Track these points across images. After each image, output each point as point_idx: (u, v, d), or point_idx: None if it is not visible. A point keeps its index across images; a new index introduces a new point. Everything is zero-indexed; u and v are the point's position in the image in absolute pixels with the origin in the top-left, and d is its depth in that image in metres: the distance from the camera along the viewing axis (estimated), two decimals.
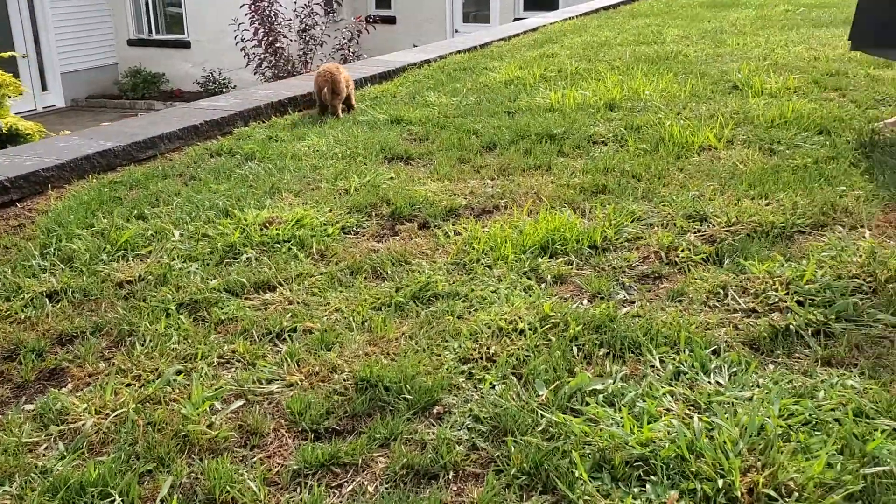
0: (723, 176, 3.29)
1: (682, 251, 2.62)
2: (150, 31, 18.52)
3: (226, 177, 3.64)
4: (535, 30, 8.60)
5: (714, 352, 2.04)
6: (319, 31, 13.52)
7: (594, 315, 2.23)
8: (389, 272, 2.61)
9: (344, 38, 13.37)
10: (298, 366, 2.09)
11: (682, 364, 1.98)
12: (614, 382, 1.91)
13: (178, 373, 2.09)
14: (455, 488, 1.65)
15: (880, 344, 2.04)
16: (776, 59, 5.80)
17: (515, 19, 15.29)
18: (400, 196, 3.24)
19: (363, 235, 2.96)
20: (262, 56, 12.98)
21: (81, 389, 2.04)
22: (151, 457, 1.76)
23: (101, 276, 2.65)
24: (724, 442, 1.64)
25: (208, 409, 1.92)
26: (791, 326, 2.12)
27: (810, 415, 1.74)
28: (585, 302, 2.37)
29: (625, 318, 2.22)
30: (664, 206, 3.01)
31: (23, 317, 2.41)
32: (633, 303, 2.35)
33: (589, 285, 2.45)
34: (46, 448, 1.82)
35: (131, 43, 18.30)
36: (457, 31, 18.27)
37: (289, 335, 2.25)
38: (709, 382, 1.90)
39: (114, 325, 2.35)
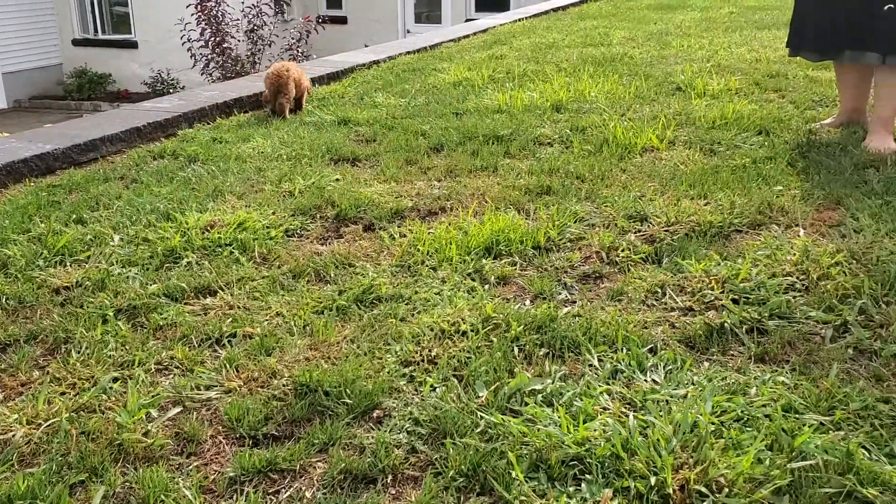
0: (664, 176, 3.34)
1: (623, 251, 2.66)
2: (95, 30, 18.17)
3: (168, 179, 3.59)
4: (485, 31, 8.64)
5: (651, 350, 2.07)
6: (268, 32, 13.41)
7: (536, 315, 2.25)
8: (333, 275, 2.60)
9: (293, 39, 13.27)
10: (237, 371, 2.07)
11: (620, 363, 2.01)
12: (553, 382, 1.93)
13: (115, 380, 2.05)
14: (393, 492, 1.65)
15: (811, 340, 2.10)
16: (719, 60, 5.91)
17: (467, 20, 15.35)
18: (345, 198, 3.23)
19: (307, 238, 2.94)
20: (210, 56, 12.82)
21: (13, 399, 2.00)
22: (84, 467, 1.72)
23: (36, 283, 2.59)
24: (658, 440, 1.66)
25: (144, 416, 1.89)
26: (726, 324, 2.17)
27: (742, 411, 1.78)
28: (528, 302, 2.39)
29: (565, 318, 2.25)
30: (606, 206, 3.05)
31: None
32: (574, 303, 2.37)
33: (532, 286, 2.47)
34: None
35: (76, 43, 17.94)
36: (409, 32, 18.27)
37: (228, 340, 2.23)
38: (645, 381, 1.93)
39: (49, 332, 2.30)
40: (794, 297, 2.30)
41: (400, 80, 5.83)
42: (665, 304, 2.32)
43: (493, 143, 3.99)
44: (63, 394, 2.00)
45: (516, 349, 2.11)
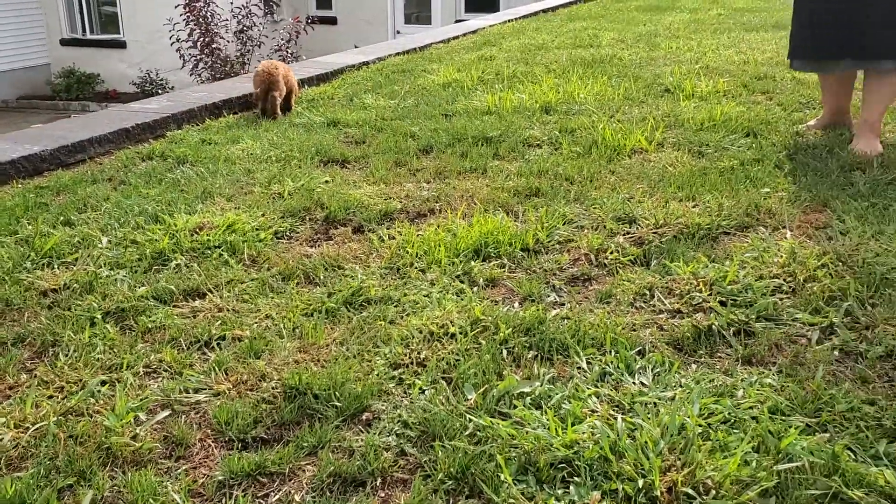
0: (652, 178, 3.35)
1: (612, 253, 2.67)
2: (83, 30, 18.08)
3: (157, 181, 3.58)
4: (474, 32, 8.65)
5: (639, 352, 2.08)
6: (257, 32, 13.38)
7: (524, 318, 2.26)
8: (322, 277, 2.60)
9: (282, 39, 13.25)
10: (226, 374, 2.06)
11: (608, 365, 2.02)
12: (542, 385, 1.94)
13: (103, 383, 2.05)
14: (382, 495, 1.65)
15: (798, 342, 2.11)
16: (707, 62, 5.93)
17: (457, 21, 15.36)
18: (334, 200, 3.23)
19: (296, 240, 2.94)
20: (199, 57, 12.78)
21: (0, 403, 1.99)
22: (72, 471, 1.72)
23: (24, 285, 2.58)
24: (646, 442, 1.67)
25: (133, 420, 1.88)
26: (714, 326, 2.18)
27: (729, 413, 1.79)
28: (516, 305, 2.39)
29: (554, 321, 2.25)
30: (595, 208, 3.06)
31: None
32: (563, 305, 2.38)
33: (520, 288, 2.48)
34: None
35: (64, 42, 17.84)
36: (398, 33, 18.27)
37: (217, 343, 2.23)
38: (633, 383, 1.94)
39: (37, 335, 2.29)
40: (781, 299, 2.31)
41: (389, 82, 5.83)
42: (653, 307, 2.33)
43: (482, 145, 4.00)
44: (51, 397, 1.99)
45: (505, 352, 2.12)
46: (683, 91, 4.94)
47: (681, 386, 1.92)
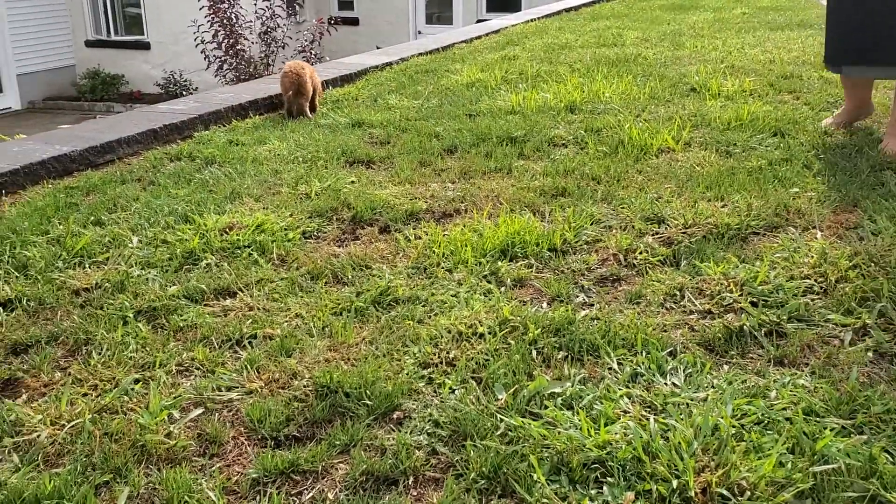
0: (680, 178, 3.34)
1: (640, 253, 2.66)
2: (108, 31, 18.26)
3: (185, 182, 3.61)
4: (497, 32, 8.64)
5: (670, 353, 2.08)
6: (281, 34, 13.44)
7: (553, 318, 2.25)
8: (350, 277, 2.61)
9: (306, 41, 13.30)
10: (258, 373, 2.08)
11: (640, 366, 2.01)
12: (572, 385, 1.93)
13: (136, 382, 2.07)
14: (415, 493, 1.66)
15: (830, 343, 2.09)
16: (733, 61, 5.89)
17: (478, 21, 15.36)
18: (361, 200, 3.24)
19: (324, 240, 2.96)
20: (223, 58, 12.86)
21: (36, 400, 2.02)
22: (108, 468, 1.74)
23: (56, 284, 2.61)
24: (679, 443, 1.67)
25: (166, 418, 1.90)
26: (745, 327, 2.16)
27: (762, 414, 1.78)
28: (545, 305, 2.39)
29: (583, 321, 2.25)
30: (623, 208, 3.05)
31: None
32: (592, 305, 2.37)
33: (548, 288, 2.48)
34: (0, 461, 1.79)
35: (89, 44, 18.03)
36: (420, 33, 18.30)
37: (249, 342, 2.24)
38: (665, 384, 1.93)
39: (70, 333, 2.32)
40: (813, 300, 2.29)
41: (413, 82, 5.84)
42: (684, 307, 2.32)
43: (506, 145, 4.00)
44: (85, 395, 2.02)
45: (534, 352, 2.12)
46: (709, 90, 4.91)
47: (713, 387, 1.91)
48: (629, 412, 1.82)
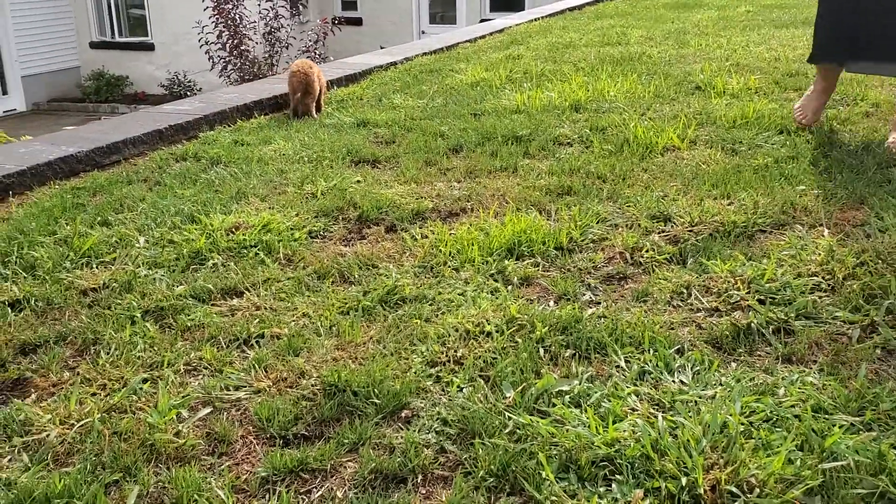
0: (686, 176, 3.33)
1: (647, 251, 2.66)
2: (112, 33, 18.30)
3: (191, 182, 3.62)
4: (501, 31, 8.64)
5: (678, 351, 2.08)
6: (285, 34, 13.46)
7: (560, 316, 2.26)
8: (357, 276, 2.62)
9: (310, 41, 13.31)
10: (266, 372, 2.08)
11: (647, 364, 2.01)
12: (580, 383, 1.94)
13: (145, 381, 2.08)
14: (424, 492, 1.66)
15: (838, 340, 2.09)
16: (738, 59, 5.88)
17: (482, 20, 15.35)
18: (367, 199, 3.24)
19: (330, 239, 2.96)
20: (227, 59, 12.88)
21: (45, 399, 2.02)
22: (117, 467, 1.75)
23: (64, 284, 2.62)
24: (688, 440, 1.67)
25: (175, 417, 1.91)
26: (752, 325, 2.16)
27: (771, 412, 1.78)
28: (552, 303, 2.39)
29: (590, 319, 2.25)
30: (629, 206, 3.05)
31: None
32: (599, 304, 2.37)
33: (555, 287, 2.48)
34: (10, 460, 1.80)
35: (94, 45, 18.08)
36: (423, 33, 18.30)
37: (256, 341, 2.25)
38: (673, 382, 1.93)
39: (78, 333, 2.33)
40: (820, 298, 2.29)
41: (417, 82, 5.84)
42: (691, 305, 2.32)
43: (512, 144, 4.00)
44: (94, 394, 2.03)
45: (542, 350, 2.12)
46: (714, 88, 4.91)
47: (721, 384, 1.91)
48: (637, 410, 1.82)
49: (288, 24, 13.74)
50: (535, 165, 3.67)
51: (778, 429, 1.73)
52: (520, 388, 1.93)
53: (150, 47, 17.70)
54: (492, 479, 1.66)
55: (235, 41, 12.78)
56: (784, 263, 2.48)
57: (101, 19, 18.21)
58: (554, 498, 1.58)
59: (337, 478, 1.71)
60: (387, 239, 2.94)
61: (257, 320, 2.34)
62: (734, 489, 1.55)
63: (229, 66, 12.95)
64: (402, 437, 1.80)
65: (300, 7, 16.56)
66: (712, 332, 2.15)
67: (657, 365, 2.00)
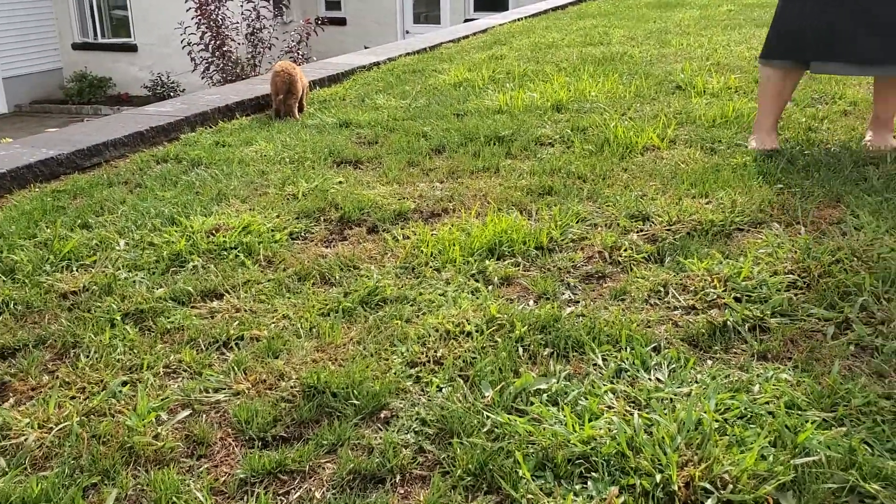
0: (665, 175, 3.36)
1: (625, 250, 2.68)
2: (95, 34, 18.20)
3: (172, 184, 3.61)
4: (484, 31, 8.66)
5: (654, 349, 2.09)
6: (268, 34, 13.43)
7: (539, 316, 2.27)
8: (338, 277, 2.62)
9: (293, 41, 13.29)
10: (245, 374, 2.09)
11: (624, 362, 2.03)
12: (558, 382, 1.95)
13: (124, 384, 2.07)
14: (402, 492, 1.67)
15: (813, 337, 2.12)
16: (718, 59, 5.92)
17: (466, 20, 15.37)
18: (349, 200, 3.25)
19: (311, 241, 2.97)
20: (210, 60, 12.84)
21: (24, 403, 2.02)
22: (96, 470, 1.75)
23: (44, 288, 2.61)
24: (663, 437, 1.68)
25: (154, 419, 1.91)
26: (728, 322, 2.19)
27: (745, 408, 1.80)
28: (531, 303, 2.40)
29: (569, 318, 2.26)
30: (608, 206, 3.07)
31: None
32: (578, 302, 2.39)
33: (535, 286, 2.49)
34: None
35: (76, 46, 17.97)
36: (408, 33, 18.30)
37: (236, 343, 2.25)
38: (649, 379, 1.95)
39: (58, 337, 2.32)
40: (796, 295, 2.32)
41: (400, 82, 5.85)
42: (668, 304, 2.34)
43: (494, 144, 4.01)
44: (73, 398, 2.02)
45: (521, 349, 2.13)
46: (695, 88, 4.94)
47: (696, 382, 1.93)
48: (613, 407, 1.83)
49: (270, 25, 13.72)
50: (516, 166, 3.68)
51: (752, 425, 1.75)
52: (498, 387, 1.95)
53: (132, 48, 17.61)
54: (469, 478, 1.67)
55: (218, 42, 12.75)
56: (760, 261, 2.50)
57: (83, 20, 18.11)
58: (530, 496, 1.59)
59: (315, 479, 1.72)
60: (368, 240, 2.95)
61: (237, 322, 2.35)
62: (708, 485, 1.57)
63: (212, 67, 12.91)
64: (380, 438, 1.81)
65: (283, 7, 16.53)
66: (689, 330, 2.17)
67: (634, 363, 2.02)
